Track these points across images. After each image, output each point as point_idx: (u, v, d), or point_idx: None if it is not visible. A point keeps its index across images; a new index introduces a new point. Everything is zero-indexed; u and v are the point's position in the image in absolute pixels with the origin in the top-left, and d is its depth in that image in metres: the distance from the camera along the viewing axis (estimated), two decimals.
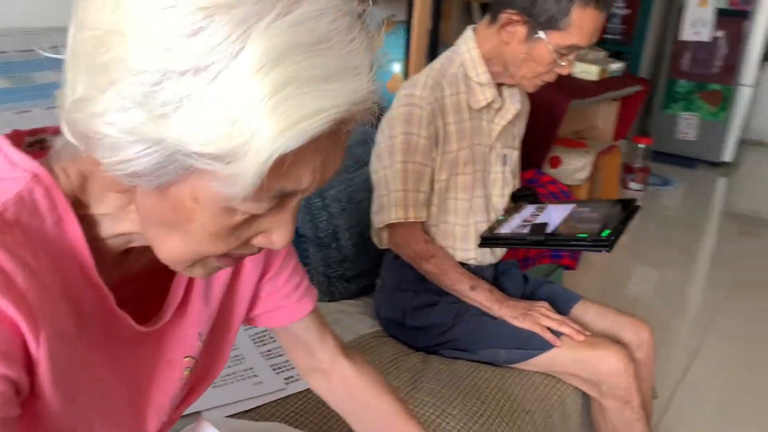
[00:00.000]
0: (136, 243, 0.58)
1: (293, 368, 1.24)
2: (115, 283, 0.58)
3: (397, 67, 2.15)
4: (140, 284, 0.64)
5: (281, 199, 0.50)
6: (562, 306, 1.46)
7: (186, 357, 0.68)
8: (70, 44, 0.48)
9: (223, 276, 0.70)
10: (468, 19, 2.86)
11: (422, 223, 1.39)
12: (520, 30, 1.28)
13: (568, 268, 2.45)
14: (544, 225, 1.37)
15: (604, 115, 3.77)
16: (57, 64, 1.35)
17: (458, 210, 1.41)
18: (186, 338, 0.67)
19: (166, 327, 0.64)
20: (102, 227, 0.56)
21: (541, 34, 1.26)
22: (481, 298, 1.38)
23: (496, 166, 1.46)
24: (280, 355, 1.30)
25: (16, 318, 0.48)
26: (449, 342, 1.40)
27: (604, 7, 1.24)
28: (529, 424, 1.22)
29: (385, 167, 1.34)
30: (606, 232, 1.28)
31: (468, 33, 1.39)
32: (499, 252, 1.52)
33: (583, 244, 1.30)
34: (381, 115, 1.41)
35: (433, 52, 2.12)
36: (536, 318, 1.34)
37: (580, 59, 3.16)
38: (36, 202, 0.51)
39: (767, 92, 5.94)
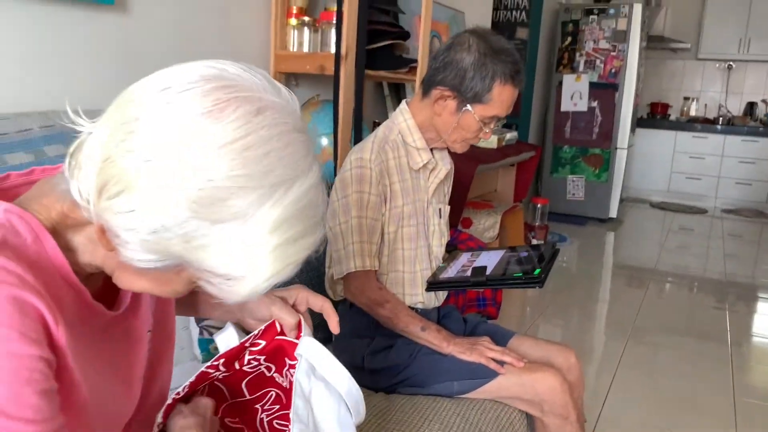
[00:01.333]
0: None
1: None
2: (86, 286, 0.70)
3: (325, 141, 2.33)
4: (102, 283, 0.76)
5: None
6: (500, 340, 1.64)
7: (148, 331, 0.83)
8: (113, 157, 0.59)
9: None
10: (381, 97, 3.13)
11: (375, 271, 1.55)
12: (451, 103, 1.50)
13: (490, 317, 2.66)
14: (484, 268, 1.57)
15: (504, 180, 4.13)
16: (27, 146, 1.45)
17: (405, 259, 1.58)
18: (144, 316, 0.82)
19: (129, 310, 0.78)
20: (79, 254, 0.68)
21: (469, 107, 1.49)
22: (431, 337, 1.54)
23: (434, 218, 1.65)
24: None
25: (40, 307, 0.59)
26: (407, 380, 1.53)
27: (518, 84, 1.50)
28: None
29: (341, 223, 1.50)
30: (537, 271, 1.49)
31: (403, 106, 1.60)
32: (441, 296, 1.70)
33: (519, 282, 1.50)
34: None
35: (357, 128, 2.33)
36: (481, 351, 1.51)
37: None
38: (14, 225, 0.63)
39: (638, 154, 6.67)
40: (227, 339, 0.88)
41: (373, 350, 1.56)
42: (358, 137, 2.27)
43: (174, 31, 1.91)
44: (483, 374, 1.49)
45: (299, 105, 0.67)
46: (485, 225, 3.45)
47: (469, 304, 2.49)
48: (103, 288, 0.76)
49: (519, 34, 5.27)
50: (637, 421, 2.37)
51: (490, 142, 3.68)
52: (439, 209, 1.68)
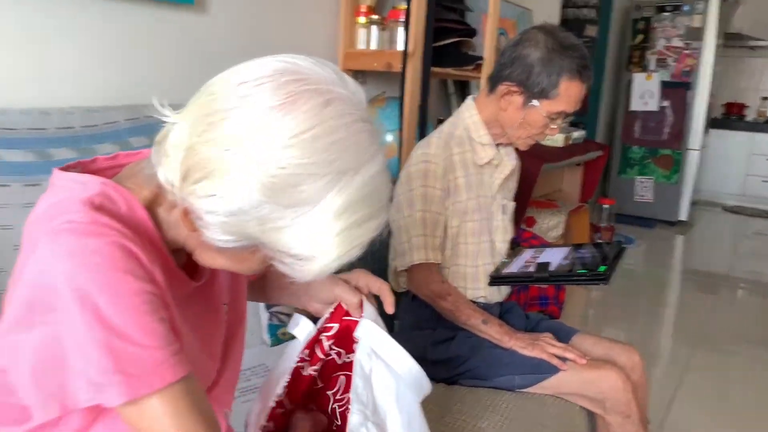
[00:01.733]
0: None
1: None
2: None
3: (390, 138, 2.37)
4: (185, 259, 0.82)
5: None
6: (562, 337, 1.63)
7: (223, 304, 0.89)
8: (195, 146, 0.65)
9: None
10: (445, 94, 3.15)
11: (438, 265, 1.57)
12: (517, 99, 1.51)
13: (552, 317, 2.64)
14: (547, 264, 1.57)
15: (570, 179, 4.07)
16: (114, 137, 1.55)
17: (468, 253, 1.60)
18: (220, 289, 0.88)
19: (207, 283, 0.84)
20: (165, 231, 0.74)
21: (535, 102, 1.49)
22: (492, 331, 1.55)
23: (498, 214, 1.66)
24: None
25: (139, 254, 0.67)
26: (468, 372, 1.55)
27: (586, 80, 1.50)
28: None
29: (405, 216, 1.53)
30: (603, 268, 1.48)
31: (469, 102, 1.62)
32: (504, 291, 1.71)
33: (583, 278, 1.49)
34: None
35: (422, 124, 2.36)
36: (543, 347, 1.52)
37: None
38: (110, 194, 0.70)
39: (712, 156, 6.42)
40: (304, 329, 0.92)
41: (435, 341, 1.59)
42: (423, 134, 2.30)
43: (248, 29, 1.98)
44: (544, 369, 1.50)
45: (363, 95, 0.71)
46: (549, 224, 3.42)
47: (531, 302, 2.48)
48: (185, 263, 0.82)
49: (588, 31, 5.17)
50: (704, 428, 2.31)
51: (556, 140, 3.64)
52: (503, 205, 1.69)
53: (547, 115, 1.50)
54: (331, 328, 0.92)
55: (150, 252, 0.70)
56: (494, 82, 1.55)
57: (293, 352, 0.91)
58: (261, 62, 0.68)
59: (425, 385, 0.90)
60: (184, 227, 0.71)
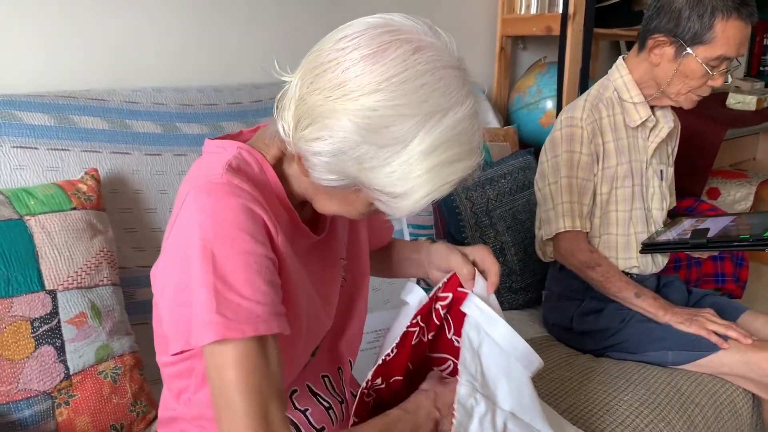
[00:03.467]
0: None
1: None
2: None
3: (549, 104, 2.30)
4: (309, 216, 0.90)
5: None
6: (729, 315, 1.50)
7: (341, 258, 0.95)
8: (304, 96, 0.72)
9: None
10: (615, 58, 2.97)
11: (586, 233, 1.52)
12: (668, 50, 1.41)
13: (732, 296, 2.41)
14: (706, 230, 1.45)
15: (766, 147, 3.65)
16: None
17: (619, 221, 1.53)
18: (338, 244, 0.95)
19: (327, 237, 0.91)
20: (291, 184, 0.83)
21: (689, 50, 1.38)
22: (646, 304, 1.47)
23: (654, 180, 1.56)
24: None
25: (265, 218, 0.74)
26: (617, 345, 1.49)
27: (747, 17, 1.34)
28: (699, 416, 1.29)
29: (550, 183, 1.50)
30: None
31: (619, 62, 1.54)
32: (661, 262, 1.61)
33: (745, 244, 1.36)
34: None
35: (583, 90, 2.26)
36: (702, 323, 1.41)
37: (736, 91, 3.14)
38: (245, 157, 0.80)
39: None
40: (417, 297, 0.96)
41: (582, 312, 1.55)
42: None
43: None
44: (702, 347, 1.40)
45: (456, 46, 0.74)
46: (736, 197, 3.10)
47: (704, 278, 2.28)
48: (308, 219, 0.90)
49: None
50: None
51: (748, 103, 3.27)
52: (661, 171, 1.58)
53: (704, 63, 1.37)
54: (446, 297, 0.94)
55: (277, 209, 0.79)
56: (643, 37, 1.45)
57: (405, 318, 0.94)
58: (360, 20, 0.74)
59: (535, 360, 0.89)
60: (303, 178, 0.79)
